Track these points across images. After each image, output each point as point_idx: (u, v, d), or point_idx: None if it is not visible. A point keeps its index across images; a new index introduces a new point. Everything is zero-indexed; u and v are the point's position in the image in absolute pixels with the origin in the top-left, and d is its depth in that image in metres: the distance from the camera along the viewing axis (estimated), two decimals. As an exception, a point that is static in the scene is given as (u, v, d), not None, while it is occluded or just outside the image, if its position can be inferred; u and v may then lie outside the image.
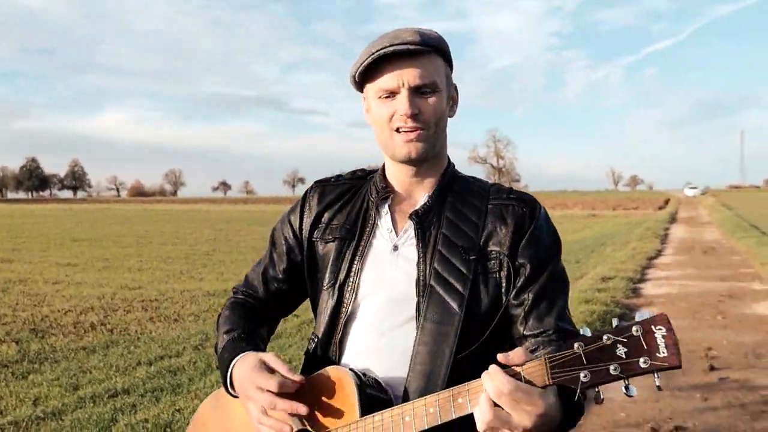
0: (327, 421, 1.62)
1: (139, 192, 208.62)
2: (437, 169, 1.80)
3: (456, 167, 1.86)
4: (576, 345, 1.28)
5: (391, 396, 1.65)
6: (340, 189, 1.90)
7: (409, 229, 1.75)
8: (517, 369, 1.34)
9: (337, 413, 1.61)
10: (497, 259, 1.69)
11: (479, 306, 1.67)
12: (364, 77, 1.74)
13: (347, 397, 1.59)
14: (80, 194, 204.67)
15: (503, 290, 1.68)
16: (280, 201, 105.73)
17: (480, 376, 1.40)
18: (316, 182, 1.96)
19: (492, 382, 1.35)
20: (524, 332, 1.68)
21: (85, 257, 18.48)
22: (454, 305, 1.65)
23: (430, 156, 1.74)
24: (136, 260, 17.70)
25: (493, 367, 1.36)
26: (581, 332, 1.30)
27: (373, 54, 1.68)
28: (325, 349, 1.78)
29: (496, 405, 1.34)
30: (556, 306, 1.69)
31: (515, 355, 1.36)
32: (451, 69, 1.80)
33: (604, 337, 1.26)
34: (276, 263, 1.92)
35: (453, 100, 1.81)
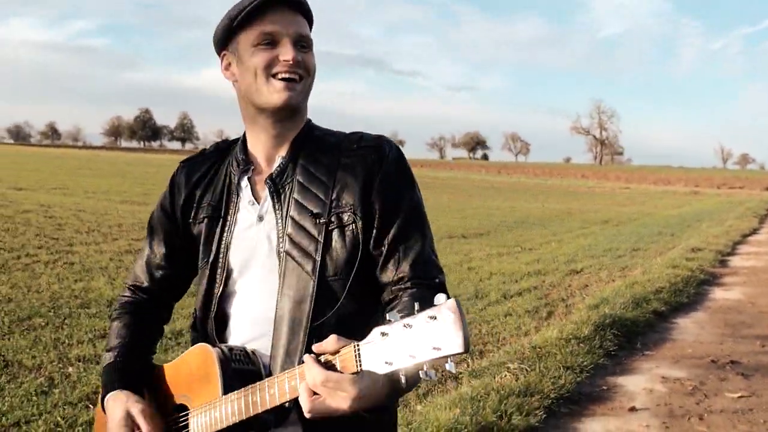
0: (196, 401, 1.68)
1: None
2: (296, 127, 1.78)
3: (313, 122, 1.83)
4: (378, 332, 1.32)
5: (260, 366, 1.68)
6: (205, 165, 1.88)
7: (267, 196, 1.75)
8: (331, 358, 1.39)
9: (205, 391, 1.65)
10: (351, 212, 1.67)
11: (337, 266, 1.67)
12: (238, 26, 1.70)
13: (213, 375, 1.62)
14: (188, 146, 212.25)
15: (360, 243, 1.67)
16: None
17: (348, 337, 1.45)
18: (181, 162, 1.94)
19: (307, 374, 1.40)
20: (384, 281, 1.69)
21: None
22: (308, 270, 1.65)
23: (301, 107, 1.74)
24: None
25: (306, 358, 1.41)
26: (388, 317, 1.32)
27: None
28: (204, 326, 1.81)
29: (315, 393, 1.39)
30: (412, 249, 1.68)
31: (327, 343, 1.40)
32: None
33: (402, 324, 1.29)
34: (156, 250, 1.92)
35: None
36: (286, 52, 1.66)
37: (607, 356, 6.20)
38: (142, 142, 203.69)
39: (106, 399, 1.76)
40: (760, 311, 8.70)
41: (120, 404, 1.73)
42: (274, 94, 1.67)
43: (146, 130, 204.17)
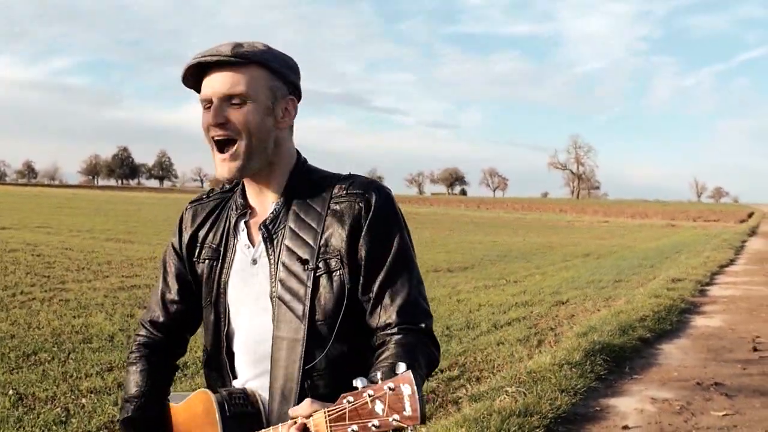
0: None
1: (220, 183, 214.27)
2: (280, 176, 1.81)
3: (308, 164, 1.88)
4: (345, 400, 1.38)
5: (260, 408, 1.75)
6: (210, 206, 1.94)
7: (260, 241, 1.80)
8: (307, 423, 1.46)
9: None
10: (338, 258, 1.71)
11: (326, 310, 1.71)
12: (192, 86, 1.78)
13: (213, 421, 1.70)
14: (166, 184, 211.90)
15: (346, 289, 1.71)
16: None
17: (343, 381, 1.54)
18: (189, 202, 2.00)
19: None
20: (373, 326, 1.72)
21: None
22: (298, 315, 1.70)
23: (248, 171, 1.76)
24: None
25: (287, 424, 1.49)
26: (355, 383, 1.38)
27: (188, 63, 1.73)
28: (217, 361, 1.87)
29: None
30: (398, 295, 1.71)
31: (301, 407, 1.46)
32: (288, 83, 1.79)
33: (366, 394, 1.35)
34: (170, 286, 1.95)
35: (286, 112, 1.79)
36: (210, 114, 1.71)
37: (598, 380, 6.48)
38: (119, 180, 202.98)
39: None
40: (740, 337, 9.04)
41: None
42: (216, 168, 1.75)
43: (124, 168, 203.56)
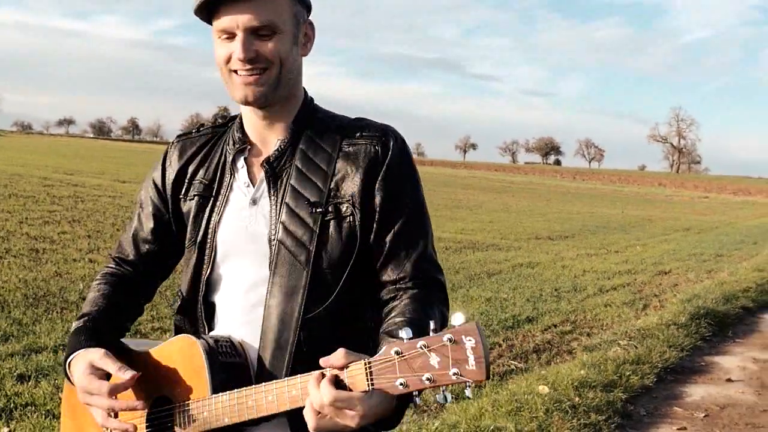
0: (181, 395, 1.59)
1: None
2: (290, 110, 1.69)
3: (315, 102, 1.75)
4: (393, 351, 1.27)
5: (247, 358, 1.62)
6: (201, 141, 1.80)
7: (263, 179, 1.67)
8: (339, 373, 1.34)
9: (191, 387, 1.57)
10: (350, 203, 1.60)
11: (332, 258, 1.60)
12: (207, 16, 1.63)
13: (199, 368, 1.54)
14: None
15: (358, 237, 1.60)
16: (455, 165, 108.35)
17: (342, 334, 1.52)
18: (177, 136, 1.85)
19: (313, 392, 1.35)
20: (383, 279, 1.63)
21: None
22: (301, 261, 1.59)
23: (272, 100, 1.63)
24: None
25: (315, 375, 1.36)
26: (401, 333, 1.28)
27: None
28: (192, 308, 1.73)
29: (320, 412, 1.34)
30: (415, 248, 1.62)
31: (336, 357, 1.34)
32: (305, 4, 1.67)
33: (419, 345, 1.24)
34: (144, 224, 1.82)
35: (307, 38, 1.69)
36: (237, 50, 1.57)
37: (702, 340, 7.04)
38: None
39: (67, 363, 1.65)
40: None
41: (81, 360, 1.61)
42: (236, 91, 1.61)
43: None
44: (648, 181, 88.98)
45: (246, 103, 1.63)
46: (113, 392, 1.55)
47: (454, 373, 1.22)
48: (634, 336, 6.57)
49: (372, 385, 1.30)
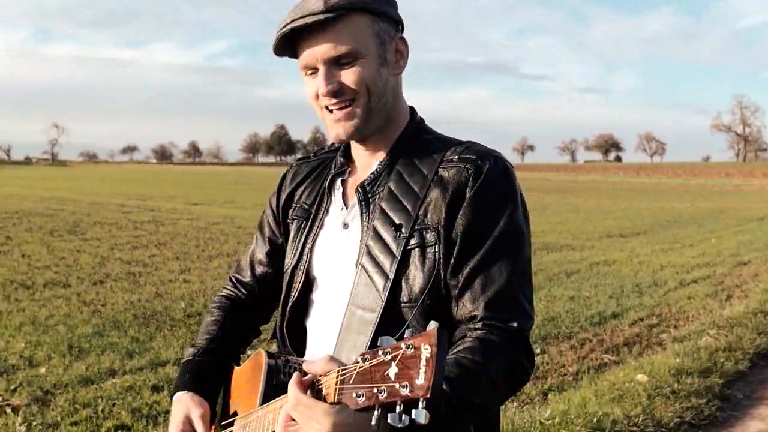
0: (243, 408, 1.60)
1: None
2: (392, 134, 1.60)
3: (426, 124, 1.66)
4: (360, 358, 1.10)
5: None
6: (314, 164, 1.78)
7: (355, 203, 1.60)
8: (319, 381, 1.23)
9: (249, 400, 1.56)
10: (434, 231, 1.48)
11: (412, 291, 1.47)
12: (288, 53, 1.58)
13: (257, 384, 1.54)
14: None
15: (441, 270, 1.47)
16: (516, 168, 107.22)
17: None
18: (296, 160, 1.85)
19: (288, 393, 1.26)
20: (457, 317, 1.47)
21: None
22: (379, 288, 1.48)
23: (366, 132, 1.55)
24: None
25: (295, 376, 1.26)
26: (379, 342, 1.09)
27: (279, 32, 1.53)
28: (281, 335, 1.69)
29: (292, 418, 1.25)
30: (493, 283, 1.45)
31: (317, 363, 1.24)
32: (391, 20, 1.57)
33: (381, 353, 1.06)
34: (260, 247, 1.83)
35: (399, 54, 1.59)
36: (321, 84, 1.51)
37: (791, 326, 7.11)
38: (278, 157, 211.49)
39: (173, 399, 1.70)
40: None
41: (182, 407, 1.65)
42: (329, 129, 1.56)
43: (282, 144, 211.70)
44: (714, 172, 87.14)
45: (340, 141, 1.60)
46: None
47: (404, 386, 1.03)
48: (723, 325, 6.71)
49: (338, 396, 1.16)
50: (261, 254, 1.83)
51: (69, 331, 6.49)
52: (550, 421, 4.12)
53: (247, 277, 1.86)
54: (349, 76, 1.50)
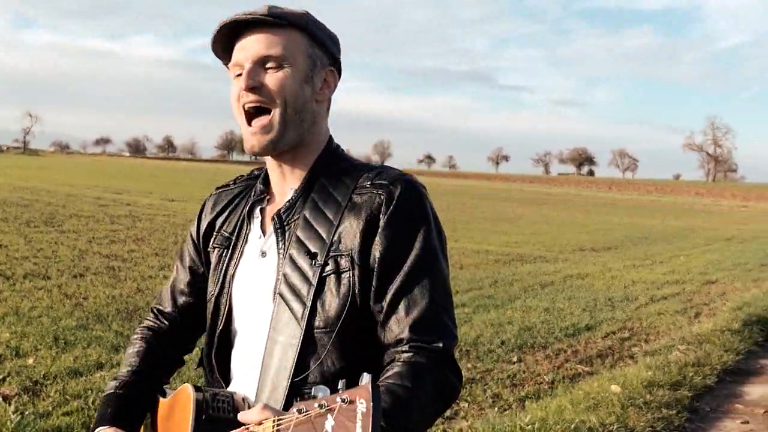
0: None
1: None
2: (306, 158, 1.61)
3: (341, 149, 1.67)
4: (296, 409, 1.10)
5: None
6: (235, 192, 1.77)
7: (272, 231, 1.60)
8: (253, 429, 1.21)
9: None
10: (348, 257, 1.49)
11: (328, 317, 1.48)
12: (222, 53, 1.61)
13: (186, 420, 1.49)
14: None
15: (355, 294, 1.48)
16: (489, 177, 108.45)
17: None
18: (215, 188, 1.84)
19: None
20: (383, 341, 1.49)
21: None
22: (297, 316, 1.49)
23: (280, 146, 1.56)
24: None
25: (241, 428, 1.24)
26: (313, 392, 1.12)
27: (220, 23, 1.55)
28: (209, 364, 1.69)
29: None
30: (415, 306, 1.47)
31: (251, 412, 1.23)
32: (328, 52, 1.61)
33: (316, 405, 1.07)
34: (181, 276, 1.80)
35: (326, 84, 1.61)
36: (243, 79, 1.52)
37: (756, 345, 7.40)
38: (252, 156, 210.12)
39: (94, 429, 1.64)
40: None
41: None
42: (246, 142, 1.57)
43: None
44: (684, 191, 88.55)
45: (253, 153, 1.58)
46: None
47: None
48: (692, 341, 6.96)
49: None
50: (182, 284, 1.81)
51: (53, 323, 6.54)
52: (530, 427, 4.29)
53: (168, 308, 1.83)
54: (271, 80, 1.53)
